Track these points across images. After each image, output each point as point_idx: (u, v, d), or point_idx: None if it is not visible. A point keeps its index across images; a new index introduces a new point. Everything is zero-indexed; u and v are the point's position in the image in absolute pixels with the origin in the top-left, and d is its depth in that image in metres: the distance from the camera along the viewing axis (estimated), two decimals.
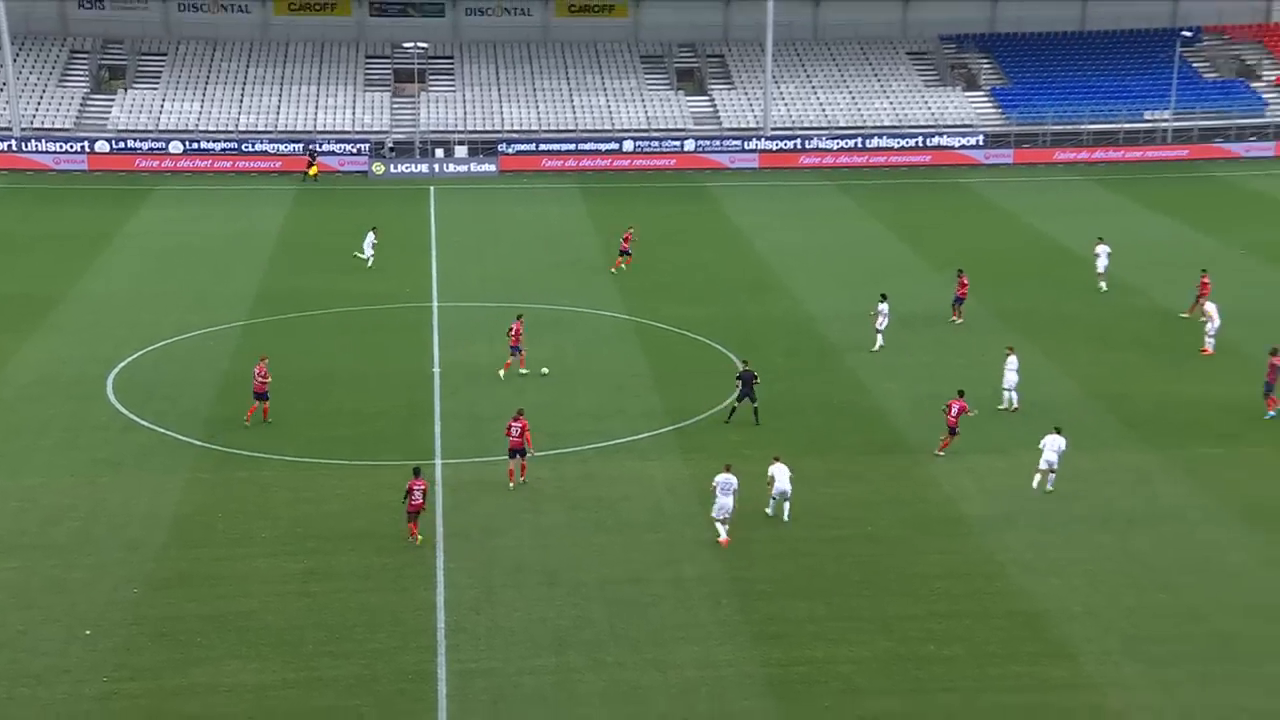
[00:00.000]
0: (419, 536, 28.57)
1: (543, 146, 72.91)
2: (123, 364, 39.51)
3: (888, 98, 78.67)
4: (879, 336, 41.15)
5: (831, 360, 40.55)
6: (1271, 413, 35.52)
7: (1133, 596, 26.46)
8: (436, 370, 39.40)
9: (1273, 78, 79.54)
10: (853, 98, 78.62)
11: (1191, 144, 73.61)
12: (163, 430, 34.44)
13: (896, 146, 73.97)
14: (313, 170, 68.12)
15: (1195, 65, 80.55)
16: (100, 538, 28.73)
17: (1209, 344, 40.84)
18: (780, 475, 29.44)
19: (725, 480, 28.77)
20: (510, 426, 31.17)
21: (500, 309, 45.84)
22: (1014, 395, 36.21)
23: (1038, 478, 31.21)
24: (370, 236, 51.78)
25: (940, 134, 74.72)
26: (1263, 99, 77.99)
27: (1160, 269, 49.14)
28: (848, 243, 55.80)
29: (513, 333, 38.53)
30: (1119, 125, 75.63)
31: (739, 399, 35.31)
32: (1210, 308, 41.36)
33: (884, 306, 41.40)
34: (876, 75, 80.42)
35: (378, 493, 30.88)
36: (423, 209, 62.68)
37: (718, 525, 28.85)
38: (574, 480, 31.89)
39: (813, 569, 27.72)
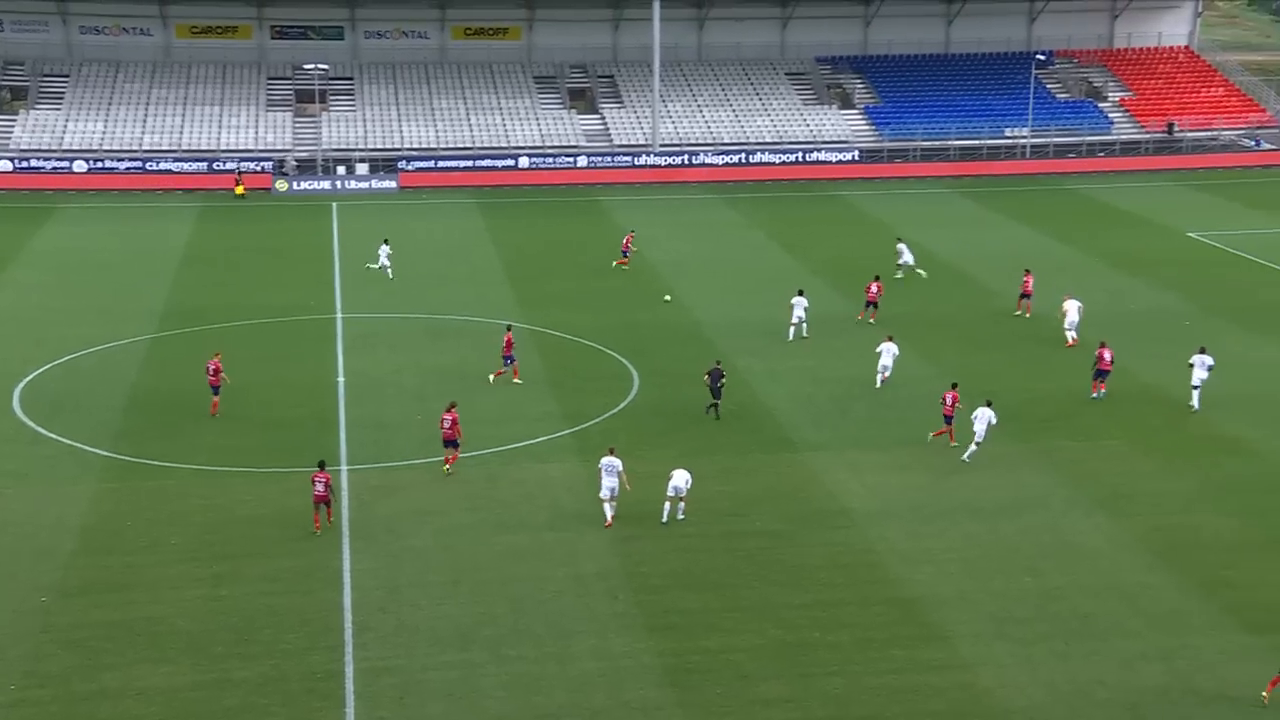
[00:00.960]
0: (319, 528, 28.47)
1: (441, 163, 72.21)
2: (28, 378, 38.13)
3: (768, 115, 79.51)
4: (791, 330, 42.63)
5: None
6: (1095, 395, 37.19)
7: (1001, 581, 27.03)
8: (341, 380, 38.80)
9: (1117, 98, 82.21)
10: (736, 115, 79.31)
11: (1047, 159, 75.66)
12: (70, 442, 33.30)
13: (777, 161, 74.74)
14: (239, 189, 66.78)
15: (1049, 86, 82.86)
16: (6, 547, 27.67)
17: (1070, 336, 42.12)
18: (678, 477, 29.44)
19: (609, 462, 29.40)
20: (443, 419, 31.66)
21: (401, 319, 45.26)
22: (885, 374, 37.94)
23: (972, 448, 32.52)
24: (385, 248, 51.04)
25: (818, 149, 75.68)
26: (1109, 118, 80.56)
27: (1020, 275, 50.34)
28: (733, 252, 56.19)
29: (505, 344, 38.14)
30: (982, 141, 77.40)
31: (715, 397, 35.79)
32: (1069, 305, 42.59)
33: (800, 300, 43.00)
34: (758, 94, 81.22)
35: (286, 499, 30.26)
36: (325, 224, 61.65)
37: (604, 507, 29.28)
38: (476, 483, 31.61)
39: (705, 563, 27.82)
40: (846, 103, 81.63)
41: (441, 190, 69.90)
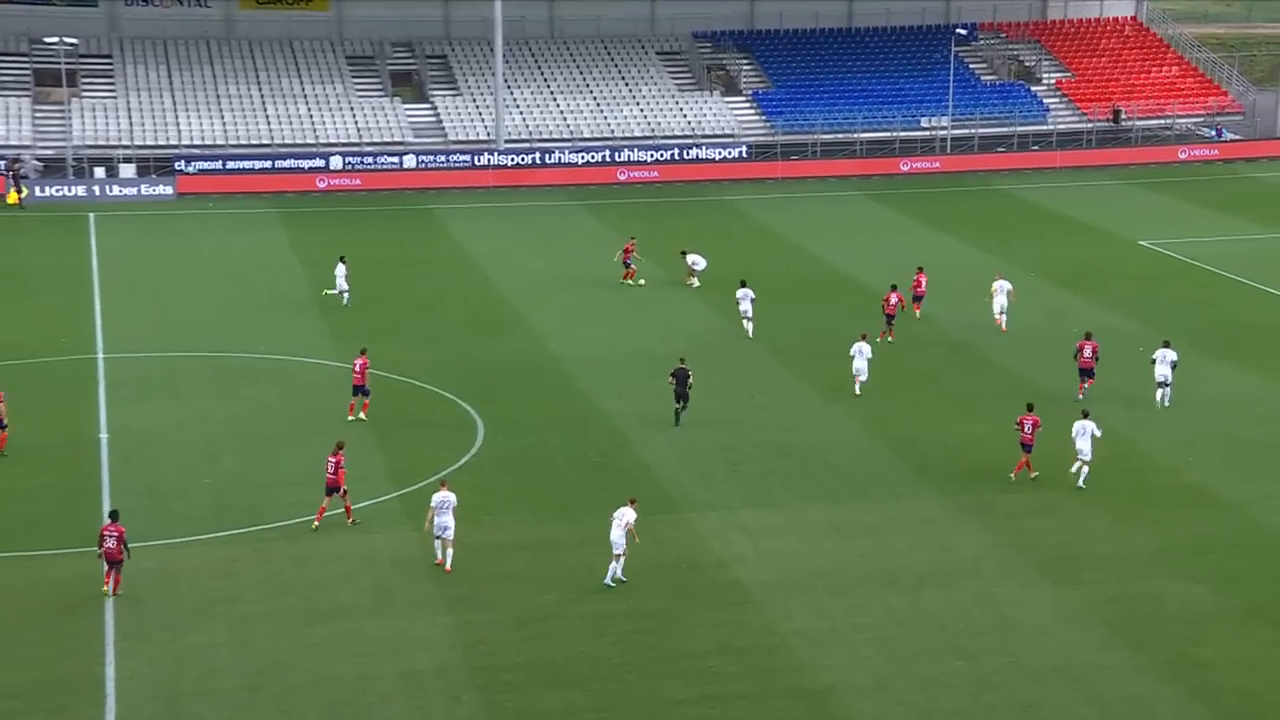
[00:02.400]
0: (112, 591, 28.83)
1: (231, 164, 71.27)
2: None
3: (638, 104, 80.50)
4: (747, 326, 46.44)
5: (584, 408, 40.95)
6: (1081, 395, 40.83)
7: (927, 665, 27.59)
8: (104, 436, 37.95)
9: (1053, 80, 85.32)
10: (598, 104, 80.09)
11: (972, 154, 78.07)
12: None
13: (650, 160, 75.65)
14: (12, 196, 64.84)
15: (973, 66, 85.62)
16: None
17: (1001, 322, 46.48)
18: (620, 521, 30.18)
19: (442, 499, 30.70)
20: (328, 462, 32.60)
21: (183, 358, 44.40)
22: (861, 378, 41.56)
23: (1082, 470, 35.10)
24: (341, 268, 50.62)
25: (698, 145, 76.88)
26: (1044, 104, 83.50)
27: (946, 294, 51.75)
28: (597, 270, 56.50)
29: (358, 369, 39.36)
30: (894, 133, 79.54)
31: (677, 401, 38.77)
32: (998, 285, 47.19)
33: (745, 291, 46.65)
34: (624, 78, 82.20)
35: (32, 592, 29.37)
36: (80, 241, 60.25)
37: (434, 544, 30.61)
38: (280, 561, 31.17)
39: (568, 651, 27.82)
40: (731, 88, 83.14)
41: (233, 198, 68.94)
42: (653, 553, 31.94)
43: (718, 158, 76.29)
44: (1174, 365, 40.51)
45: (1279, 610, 29.39)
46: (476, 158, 73.97)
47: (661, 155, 76.00)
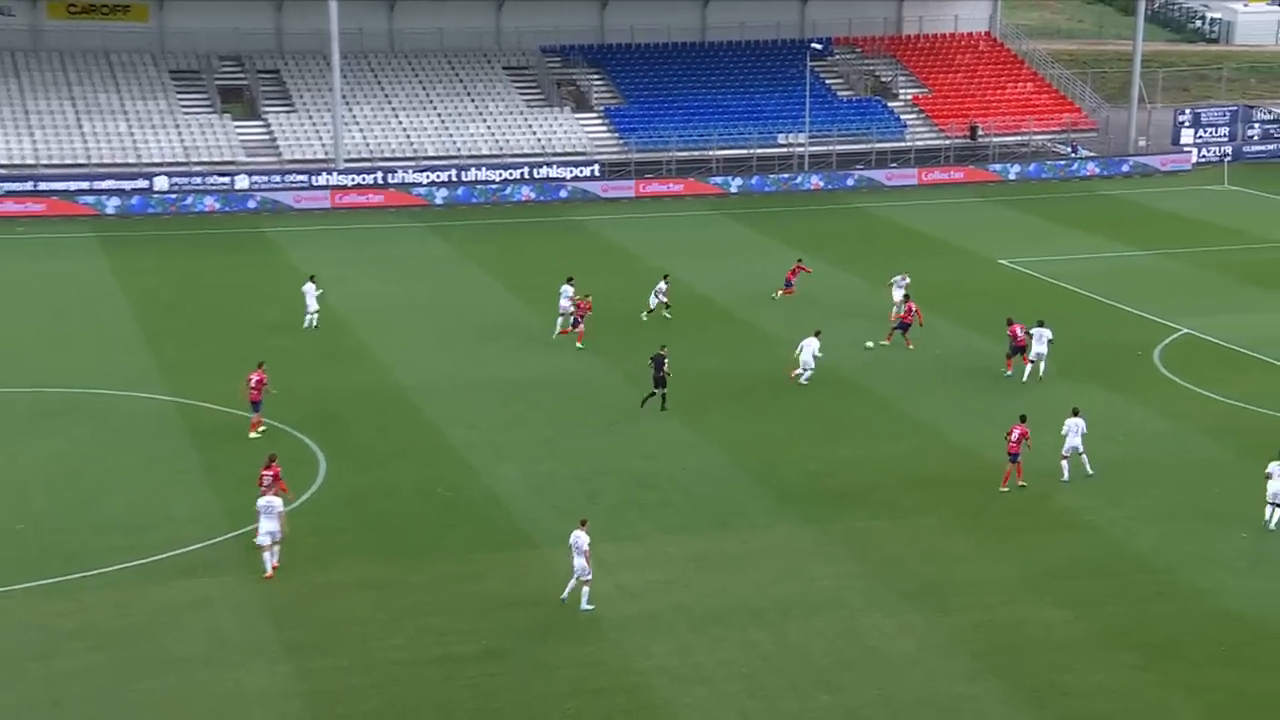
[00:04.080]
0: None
1: (44, 186, 69.50)
2: None
3: (485, 121, 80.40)
4: (663, 311, 50.06)
5: (432, 439, 40.66)
6: (1010, 372, 45.32)
7: (793, 700, 27.83)
8: None
9: (909, 97, 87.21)
10: (443, 121, 79.80)
11: (829, 170, 79.40)
12: None
13: (498, 179, 75.58)
14: None
15: (829, 82, 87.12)
16: None
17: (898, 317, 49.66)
18: (579, 545, 30.53)
19: (267, 503, 31.72)
20: (262, 476, 33.01)
21: None
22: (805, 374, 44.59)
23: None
24: (310, 287, 50.37)
25: (548, 163, 77.01)
26: (901, 120, 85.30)
27: (809, 315, 52.43)
28: (444, 295, 56.31)
29: (253, 383, 40.15)
30: (751, 150, 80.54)
31: (655, 386, 41.69)
32: (896, 280, 51.28)
33: (663, 284, 50.50)
34: (470, 94, 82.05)
35: None
36: None
37: (263, 555, 31.31)
38: (102, 611, 30.41)
39: (417, 698, 27.54)
40: (582, 104, 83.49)
41: (47, 222, 67.28)
42: (505, 591, 31.81)
43: (569, 176, 76.49)
44: (1050, 343, 45.18)
45: (1143, 634, 30.23)
46: (314, 178, 73.18)
47: (510, 174, 75.96)
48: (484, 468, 38.69)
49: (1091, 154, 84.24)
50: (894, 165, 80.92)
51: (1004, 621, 30.83)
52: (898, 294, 51.12)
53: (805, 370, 44.98)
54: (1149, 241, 65.32)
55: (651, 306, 51.84)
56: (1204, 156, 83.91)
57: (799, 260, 56.28)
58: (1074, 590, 32.20)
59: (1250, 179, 79.71)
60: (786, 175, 78.59)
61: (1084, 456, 37.94)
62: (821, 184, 78.14)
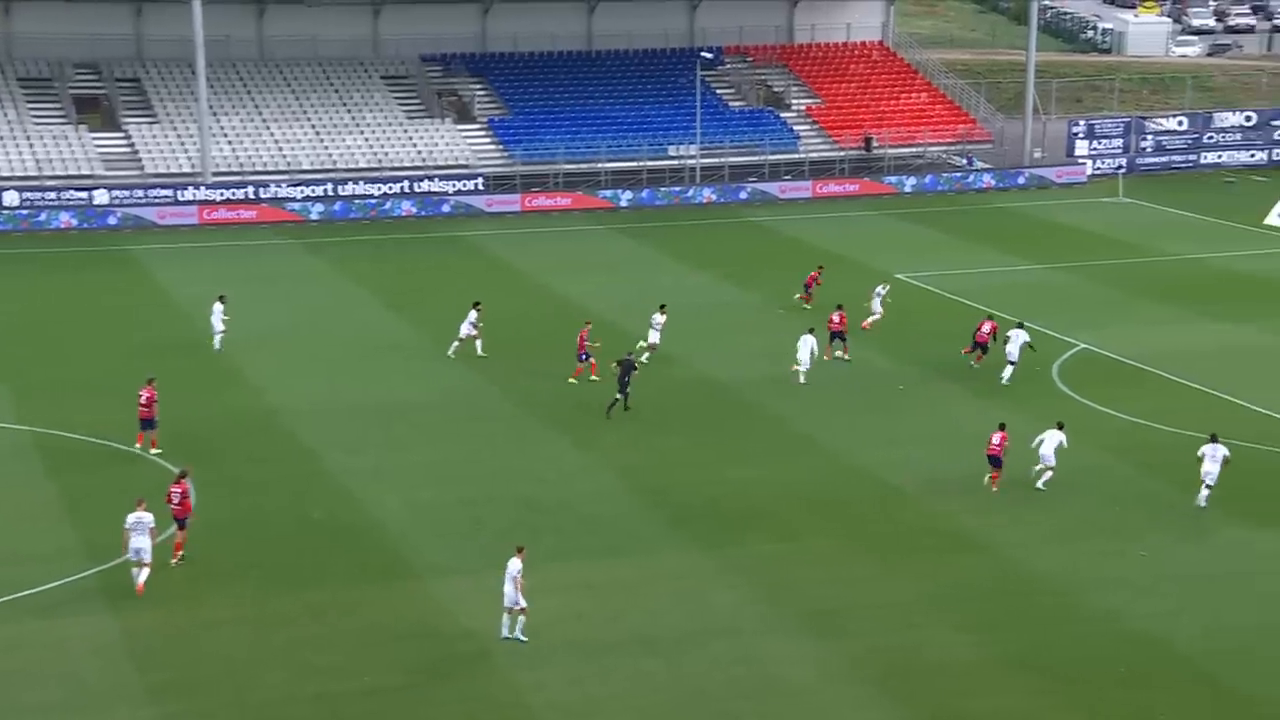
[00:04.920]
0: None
1: None
2: None
3: (362, 133, 79.85)
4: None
5: (309, 466, 40.27)
6: (969, 360, 48.23)
7: None
8: None
9: (803, 107, 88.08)
10: (318, 133, 79.13)
11: (722, 183, 79.92)
12: None
13: (377, 193, 75.08)
14: None
15: (720, 92, 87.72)
16: None
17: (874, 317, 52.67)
18: (512, 569, 30.49)
19: (137, 519, 31.84)
20: (170, 493, 33.62)
21: None
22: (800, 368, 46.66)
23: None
24: (219, 308, 49.72)
25: (430, 177, 76.67)
26: (794, 132, 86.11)
27: (701, 333, 52.68)
28: (320, 314, 55.84)
29: (143, 400, 40.39)
30: (641, 162, 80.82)
31: (620, 390, 43.24)
32: (878, 290, 53.51)
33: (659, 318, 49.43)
34: (346, 105, 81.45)
35: None
36: None
37: (133, 572, 31.57)
38: None
39: None
40: (465, 115, 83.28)
41: None
42: (389, 623, 31.52)
43: (452, 190, 76.20)
44: (1025, 344, 47.79)
45: (1043, 657, 30.68)
46: (179, 192, 72.21)
47: (390, 188, 75.50)
48: (364, 494, 38.35)
49: (987, 166, 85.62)
50: (788, 177, 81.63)
51: (904, 646, 31.13)
52: (876, 304, 53.12)
53: (801, 367, 46.85)
54: (1046, 255, 66.50)
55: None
56: (1099, 168, 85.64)
57: (820, 267, 57.69)
58: (975, 613, 32.60)
59: (1144, 191, 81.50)
60: (678, 188, 78.98)
61: (1047, 475, 38.90)
62: (714, 197, 78.65)
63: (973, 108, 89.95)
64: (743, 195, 79.17)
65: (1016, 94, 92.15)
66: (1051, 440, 39.04)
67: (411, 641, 30.86)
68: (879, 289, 54.16)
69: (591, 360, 47.00)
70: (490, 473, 40.08)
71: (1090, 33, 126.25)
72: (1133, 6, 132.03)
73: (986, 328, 48.74)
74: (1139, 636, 31.55)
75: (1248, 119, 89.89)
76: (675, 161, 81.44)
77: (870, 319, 53.15)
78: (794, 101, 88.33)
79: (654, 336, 49.47)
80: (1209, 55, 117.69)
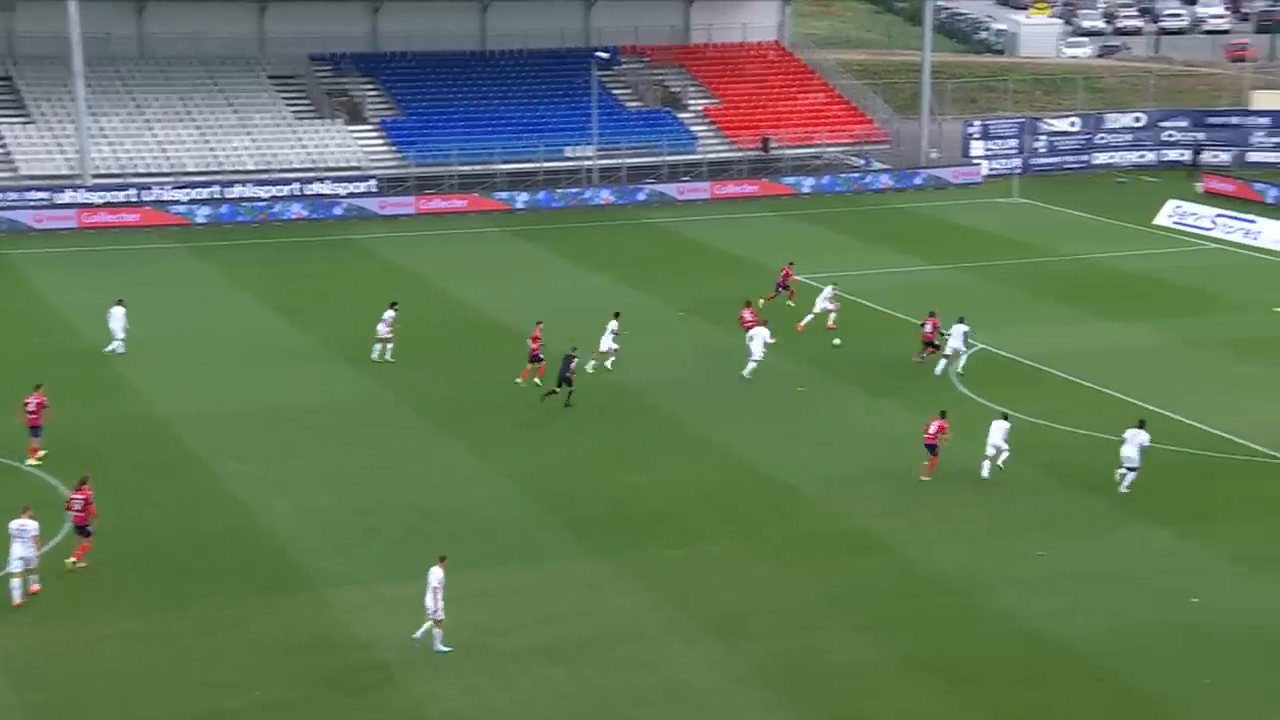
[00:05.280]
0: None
1: None
2: None
3: (250, 134, 78.98)
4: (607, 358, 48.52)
5: (197, 474, 39.82)
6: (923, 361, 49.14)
7: None
8: None
9: (700, 108, 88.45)
10: (203, 134, 78.14)
11: (620, 184, 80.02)
12: None
13: (266, 196, 74.32)
14: None
15: (616, 93, 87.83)
16: None
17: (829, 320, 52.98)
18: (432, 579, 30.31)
19: (20, 526, 31.65)
20: (71, 500, 33.83)
21: None
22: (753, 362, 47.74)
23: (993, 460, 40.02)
24: (118, 311, 49.06)
25: (321, 179, 76.02)
26: (691, 133, 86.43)
27: (599, 336, 52.69)
28: (208, 320, 55.23)
29: (31, 406, 40.33)
30: (538, 164, 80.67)
31: (558, 383, 43.81)
32: (825, 291, 53.59)
33: (612, 324, 49.09)
34: (232, 105, 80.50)
35: None
36: None
37: (12, 584, 31.31)
38: None
39: None
40: (356, 116, 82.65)
41: None
42: (281, 637, 31.18)
43: (344, 193, 75.62)
44: (966, 335, 49.20)
45: (945, 658, 31.05)
46: (55, 195, 70.95)
47: (280, 190, 74.77)
48: (254, 503, 37.96)
49: (884, 166, 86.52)
50: (686, 179, 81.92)
51: (805, 648, 31.36)
52: (823, 303, 53.53)
53: (751, 362, 47.57)
54: (943, 255, 67.33)
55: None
56: (994, 169, 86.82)
57: (790, 262, 57.93)
58: (874, 614, 32.91)
59: (1039, 191, 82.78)
60: (575, 190, 79.00)
61: (1004, 456, 40.21)
62: (612, 199, 78.74)
63: (869, 108, 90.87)
64: (640, 197, 79.34)
65: (913, 95, 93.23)
66: (999, 429, 40.13)
67: (305, 654, 30.56)
68: (828, 290, 54.33)
69: (543, 362, 46.74)
70: (384, 479, 39.83)
71: (984, 34, 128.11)
72: (1025, 8, 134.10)
73: (929, 326, 49.65)
74: (1037, 636, 32.02)
75: (1137, 120, 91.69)
76: (572, 163, 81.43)
77: (808, 320, 53.34)
78: (691, 102, 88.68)
79: (608, 342, 49.04)
80: (1099, 56, 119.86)
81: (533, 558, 35.36)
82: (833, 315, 53.62)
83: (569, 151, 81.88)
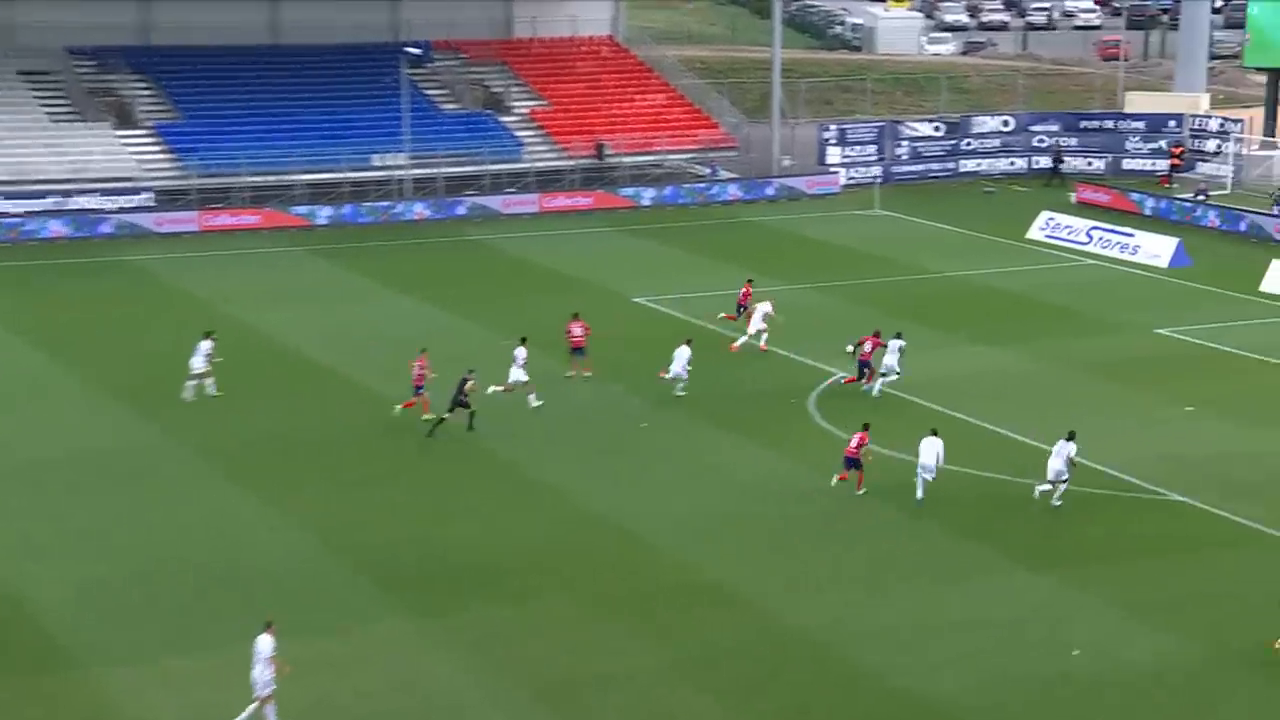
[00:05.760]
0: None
1: None
2: None
3: None
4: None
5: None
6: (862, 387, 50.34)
7: None
8: None
9: (525, 111, 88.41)
10: None
11: (436, 197, 79.59)
12: None
13: (18, 211, 72.91)
14: None
15: (430, 94, 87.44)
16: None
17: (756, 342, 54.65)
18: None
19: None
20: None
21: None
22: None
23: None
24: (206, 346, 49.20)
25: (86, 192, 74.48)
26: (517, 138, 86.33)
27: (392, 363, 52.31)
28: None
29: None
30: (342, 174, 79.95)
31: (450, 408, 44.99)
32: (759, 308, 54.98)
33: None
34: None
35: None
36: None
37: None
38: None
39: None
40: (126, 119, 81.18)
41: None
42: None
43: (113, 207, 74.15)
44: (901, 350, 50.69)
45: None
46: None
47: (35, 205, 73.21)
48: (10, 572, 36.83)
49: (732, 175, 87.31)
50: (511, 190, 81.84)
51: (648, 715, 31.16)
52: (759, 321, 55.15)
53: (677, 380, 49.61)
54: (799, 273, 67.98)
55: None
56: (852, 178, 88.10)
57: (749, 280, 58.74)
58: (728, 676, 32.89)
59: (901, 202, 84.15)
60: (385, 203, 78.55)
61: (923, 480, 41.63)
62: (427, 213, 78.45)
63: (715, 111, 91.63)
64: (460, 210, 79.09)
65: (762, 96, 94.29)
66: (930, 448, 41.48)
67: None
68: (762, 306, 55.46)
69: (425, 395, 46.80)
70: (163, 538, 38.98)
71: (839, 29, 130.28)
72: (882, 1, 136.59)
73: (868, 346, 50.73)
74: (907, 695, 32.19)
75: (1005, 123, 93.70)
76: (382, 173, 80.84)
77: (743, 341, 54.97)
78: (515, 104, 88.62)
79: (517, 374, 48.64)
80: (963, 54, 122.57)
81: (339, 623, 34.77)
82: (745, 340, 54.96)
83: (377, 160, 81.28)
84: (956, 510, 41.12)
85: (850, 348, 51.48)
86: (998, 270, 69.85)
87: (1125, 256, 72.10)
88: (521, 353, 48.90)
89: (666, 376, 49.82)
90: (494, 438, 46.42)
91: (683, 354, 49.96)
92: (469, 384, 45.85)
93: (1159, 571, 38.25)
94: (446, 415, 45.85)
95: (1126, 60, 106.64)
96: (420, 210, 78.59)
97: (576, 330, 51.51)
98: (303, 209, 76.84)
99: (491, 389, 47.85)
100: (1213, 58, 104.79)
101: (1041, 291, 65.94)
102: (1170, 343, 58.27)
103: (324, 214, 76.83)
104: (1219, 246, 74.66)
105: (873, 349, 50.79)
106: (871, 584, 37.43)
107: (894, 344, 50.70)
